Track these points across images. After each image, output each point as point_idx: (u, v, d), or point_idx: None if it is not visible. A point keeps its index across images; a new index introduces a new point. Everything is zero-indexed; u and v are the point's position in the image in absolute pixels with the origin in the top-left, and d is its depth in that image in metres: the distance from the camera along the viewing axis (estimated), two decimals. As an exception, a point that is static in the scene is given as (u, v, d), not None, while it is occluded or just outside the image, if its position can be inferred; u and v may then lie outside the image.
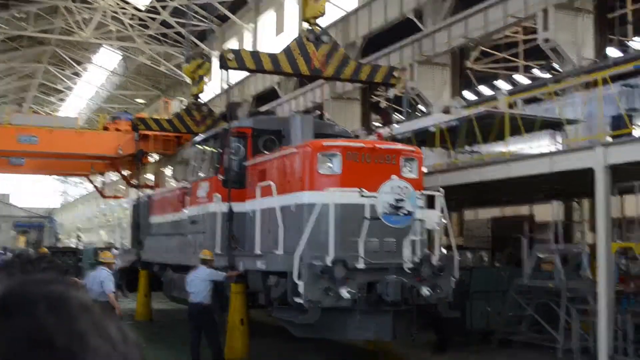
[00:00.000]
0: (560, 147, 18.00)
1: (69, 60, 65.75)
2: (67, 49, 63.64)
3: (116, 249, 35.46)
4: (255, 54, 17.04)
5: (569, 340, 15.04)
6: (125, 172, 44.49)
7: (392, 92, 19.23)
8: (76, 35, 54.42)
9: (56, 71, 69.39)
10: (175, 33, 52.80)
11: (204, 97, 28.03)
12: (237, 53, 16.46)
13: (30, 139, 38.50)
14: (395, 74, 18.00)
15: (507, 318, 16.81)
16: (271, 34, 43.25)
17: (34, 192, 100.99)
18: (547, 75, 28.47)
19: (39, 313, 0.85)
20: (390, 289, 12.46)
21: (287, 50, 16.69)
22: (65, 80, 73.07)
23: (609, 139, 14.60)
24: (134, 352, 0.91)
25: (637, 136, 14.51)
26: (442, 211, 13.90)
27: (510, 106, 19.48)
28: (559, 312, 15.44)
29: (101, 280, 13.77)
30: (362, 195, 12.72)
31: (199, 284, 14.37)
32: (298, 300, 12.46)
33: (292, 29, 37.74)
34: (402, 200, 12.74)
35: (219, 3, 45.26)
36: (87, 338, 0.85)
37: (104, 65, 66.47)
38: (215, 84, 47.30)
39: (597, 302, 13.54)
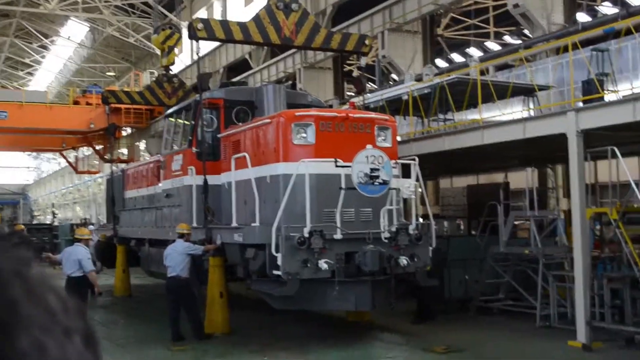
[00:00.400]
0: (532, 113, 18.06)
1: (36, 33, 64.76)
2: (33, 21, 62.64)
3: (92, 224, 35.25)
4: (224, 23, 16.84)
5: (546, 306, 15.20)
6: (98, 147, 44.21)
7: (363, 61, 19.09)
8: (42, 7, 53.52)
9: (23, 44, 68.36)
10: (143, 3, 52.12)
11: (174, 69, 27.77)
12: (206, 22, 16.26)
13: (0, 114, 38.01)
14: (367, 42, 17.90)
15: (485, 286, 16.95)
16: (240, 3, 42.84)
17: (7, 168, 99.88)
18: (518, 41, 28.49)
19: None
20: (368, 258, 12.50)
21: (257, 19, 16.51)
22: (32, 53, 72.05)
23: (581, 104, 14.65)
24: (75, 322, 0.85)
25: (608, 100, 14.56)
26: (417, 179, 13.92)
27: (482, 73, 19.50)
28: (536, 279, 15.59)
29: (79, 258, 13.48)
30: (337, 165, 12.69)
31: (176, 257, 14.33)
32: (276, 272, 12.47)
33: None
34: (377, 169, 12.72)
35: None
36: (20, 307, 0.80)
37: (71, 37, 65.54)
38: (186, 55, 46.90)
39: (574, 268, 13.68)
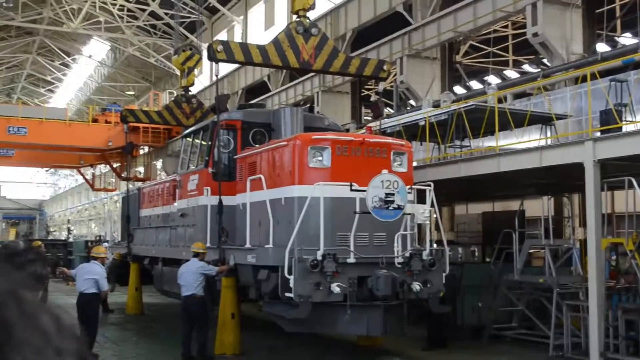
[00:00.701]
0: (549, 142, 18.01)
1: (58, 51, 65.44)
2: (55, 39, 63.33)
3: (106, 241, 35.35)
4: (244, 46, 16.96)
5: (560, 336, 15.07)
6: (116, 165, 44.46)
7: (382, 86, 19.15)
8: (65, 25, 54.12)
9: (45, 62, 69.07)
10: (164, 24, 52.60)
11: (193, 90, 27.93)
12: (225, 44, 16.37)
13: (19, 130, 38.38)
14: (385, 67, 17.95)
15: (498, 313, 16.84)
16: (260, 27, 43.12)
17: (24, 183, 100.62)
18: (537, 70, 28.49)
19: None
20: (381, 283, 12.45)
21: (276, 42, 16.61)
22: (54, 71, 72.76)
23: (598, 134, 14.60)
24: (69, 343, 0.85)
25: (626, 131, 14.51)
26: (432, 205, 13.89)
27: (500, 101, 19.49)
28: (550, 308, 15.47)
29: (95, 277, 13.64)
30: (352, 189, 12.69)
31: (189, 276, 14.34)
32: (289, 294, 12.44)
33: (282, 22, 37.62)
34: (392, 194, 12.71)
35: (209, -5, 45.10)
36: (14, 329, 0.80)
37: (93, 56, 66.17)
38: (205, 76, 47.21)
39: (588, 298, 13.56)
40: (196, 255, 14.62)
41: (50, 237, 72.08)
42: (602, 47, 26.21)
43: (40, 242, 28.17)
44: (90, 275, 13.69)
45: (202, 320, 14.32)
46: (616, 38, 31.95)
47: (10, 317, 0.81)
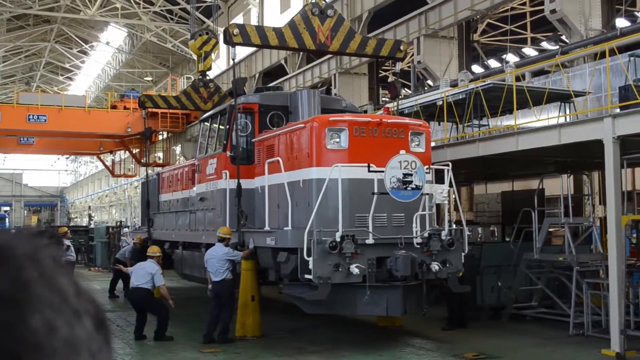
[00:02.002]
0: (568, 119, 17.89)
1: (75, 38, 65.67)
2: (73, 27, 63.52)
3: (127, 227, 35.59)
4: (260, 29, 16.94)
5: (580, 314, 15.04)
6: (135, 150, 44.70)
7: (398, 66, 19.06)
8: (82, 13, 54.26)
9: (63, 50, 69.35)
10: (181, 9, 52.58)
11: (211, 74, 27.95)
12: (242, 28, 16.37)
13: (39, 118, 38.70)
14: (402, 47, 17.88)
15: (518, 293, 16.81)
16: (276, 10, 43.02)
17: (46, 171, 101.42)
18: (555, 47, 28.26)
19: None
20: (400, 264, 12.48)
21: (292, 24, 16.58)
22: (72, 58, 73.04)
23: (618, 110, 14.48)
24: (87, 306, 0.88)
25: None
26: (450, 185, 13.86)
27: (518, 79, 19.36)
28: (570, 287, 15.43)
29: (152, 273, 14.86)
30: (370, 170, 12.69)
31: (215, 263, 14.41)
32: (308, 276, 12.49)
33: (298, 5, 37.50)
34: (410, 174, 12.70)
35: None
36: (33, 287, 0.83)
37: (110, 43, 66.36)
38: (222, 60, 47.23)
39: (608, 276, 13.51)
40: (221, 240, 14.67)
41: (71, 224, 72.60)
42: (621, 22, 25.96)
43: (66, 229, 28.34)
44: (147, 270, 14.90)
45: (229, 303, 14.43)
46: (636, 13, 31.63)
47: (29, 276, 0.83)
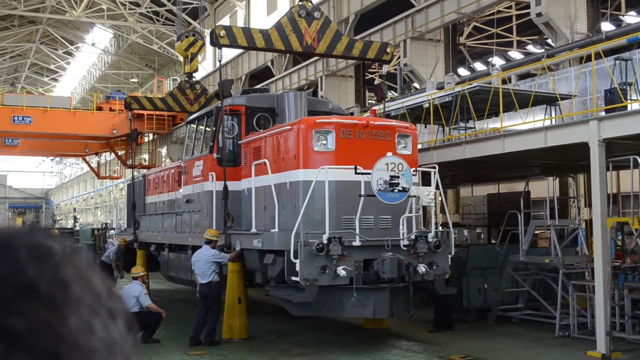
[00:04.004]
0: (554, 122, 17.96)
1: (61, 39, 65.38)
2: (58, 28, 63.25)
3: (112, 229, 35.46)
4: (246, 31, 16.92)
5: (566, 316, 15.10)
6: (121, 152, 44.54)
7: (385, 69, 19.10)
8: (67, 14, 54.04)
9: (48, 51, 69.04)
10: (167, 11, 52.45)
11: (197, 76, 27.90)
12: (228, 29, 16.33)
13: (24, 119, 38.49)
14: (388, 50, 17.89)
15: (504, 295, 16.85)
16: (263, 12, 42.99)
17: (30, 172, 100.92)
18: (541, 50, 28.38)
19: (23, 260, 0.82)
20: (387, 266, 12.49)
21: (279, 26, 16.57)
22: (57, 60, 72.72)
23: (603, 113, 14.55)
24: (118, 305, 0.89)
25: (631, 110, 14.45)
26: (437, 187, 13.89)
27: (504, 82, 19.43)
28: (556, 289, 15.49)
29: (136, 295, 14.45)
30: (357, 172, 12.70)
31: (202, 266, 14.36)
32: (295, 278, 12.48)
33: (284, 7, 37.49)
34: (397, 176, 12.71)
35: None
36: (71, 287, 0.83)
37: (96, 44, 66.11)
38: (209, 62, 47.12)
39: (594, 278, 13.57)
40: (208, 242, 14.62)
41: (57, 226, 72.26)
42: (606, 26, 26.11)
43: (57, 231, 28.20)
44: (131, 294, 14.46)
45: (216, 305, 14.39)
46: (621, 17, 31.83)
47: (67, 276, 0.84)
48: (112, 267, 23.39)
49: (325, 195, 12.66)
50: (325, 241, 12.37)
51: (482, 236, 21.09)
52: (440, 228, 14.82)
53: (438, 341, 14.66)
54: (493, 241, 19.70)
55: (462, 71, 36.76)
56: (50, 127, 39.31)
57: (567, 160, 17.52)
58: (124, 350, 0.86)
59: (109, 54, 66.64)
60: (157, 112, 37.11)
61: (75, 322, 0.81)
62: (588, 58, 16.46)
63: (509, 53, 40.42)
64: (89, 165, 51.27)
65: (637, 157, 12.97)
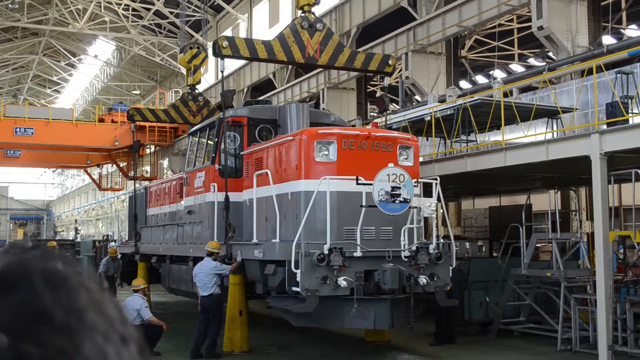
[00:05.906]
0: (556, 136, 17.97)
1: (63, 51, 65.57)
2: (61, 40, 63.46)
3: (114, 241, 35.44)
4: (249, 42, 16.95)
5: (568, 329, 15.05)
6: (122, 164, 44.57)
7: (387, 81, 19.11)
8: (70, 26, 54.23)
9: (51, 62, 69.22)
10: (170, 23, 52.63)
11: (199, 88, 27.96)
12: (231, 40, 16.36)
13: (27, 131, 38.55)
14: (390, 62, 17.92)
15: (506, 308, 16.81)
16: (265, 24, 43.12)
17: (32, 184, 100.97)
18: (542, 64, 28.43)
19: (38, 288, 0.84)
20: (388, 277, 12.46)
21: (281, 38, 16.60)
22: (60, 71, 72.90)
23: (605, 127, 14.56)
24: (131, 331, 0.90)
25: (632, 123, 14.46)
26: (438, 199, 13.88)
27: (506, 95, 19.45)
28: (558, 302, 15.44)
29: (137, 308, 14.10)
30: (359, 183, 12.69)
31: (203, 278, 14.33)
32: (295, 289, 12.46)
33: (286, 20, 37.60)
34: (398, 187, 12.71)
35: (214, -7, 45.11)
36: (85, 315, 0.84)
37: (99, 56, 66.29)
38: (211, 74, 47.24)
39: (596, 291, 13.53)
40: (210, 254, 14.59)
41: (57, 237, 72.22)
42: (607, 40, 26.15)
43: (55, 243, 28.18)
44: (133, 306, 14.12)
45: (217, 317, 14.36)
46: (622, 30, 31.89)
47: (83, 303, 0.85)
48: (113, 280, 23.38)
49: (327, 205, 12.66)
50: (326, 252, 12.35)
51: (484, 249, 21.04)
52: (441, 240, 14.79)
53: (439, 354, 14.62)
54: (495, 254, 19.66)
55: (464, 84, 36.80)
56: (52, 139, 39.35)
57: (569, 174, 17.52)
58: None
59: (111, 66, 66.81)
60: (159, 124, 37.19)
61: (89, 349, 0.82)
62: (589, 71, 16.48)
63: (511, 66, 40.49)
64: (91, 177, 51.25)
65: (639, 171, 12.96)
